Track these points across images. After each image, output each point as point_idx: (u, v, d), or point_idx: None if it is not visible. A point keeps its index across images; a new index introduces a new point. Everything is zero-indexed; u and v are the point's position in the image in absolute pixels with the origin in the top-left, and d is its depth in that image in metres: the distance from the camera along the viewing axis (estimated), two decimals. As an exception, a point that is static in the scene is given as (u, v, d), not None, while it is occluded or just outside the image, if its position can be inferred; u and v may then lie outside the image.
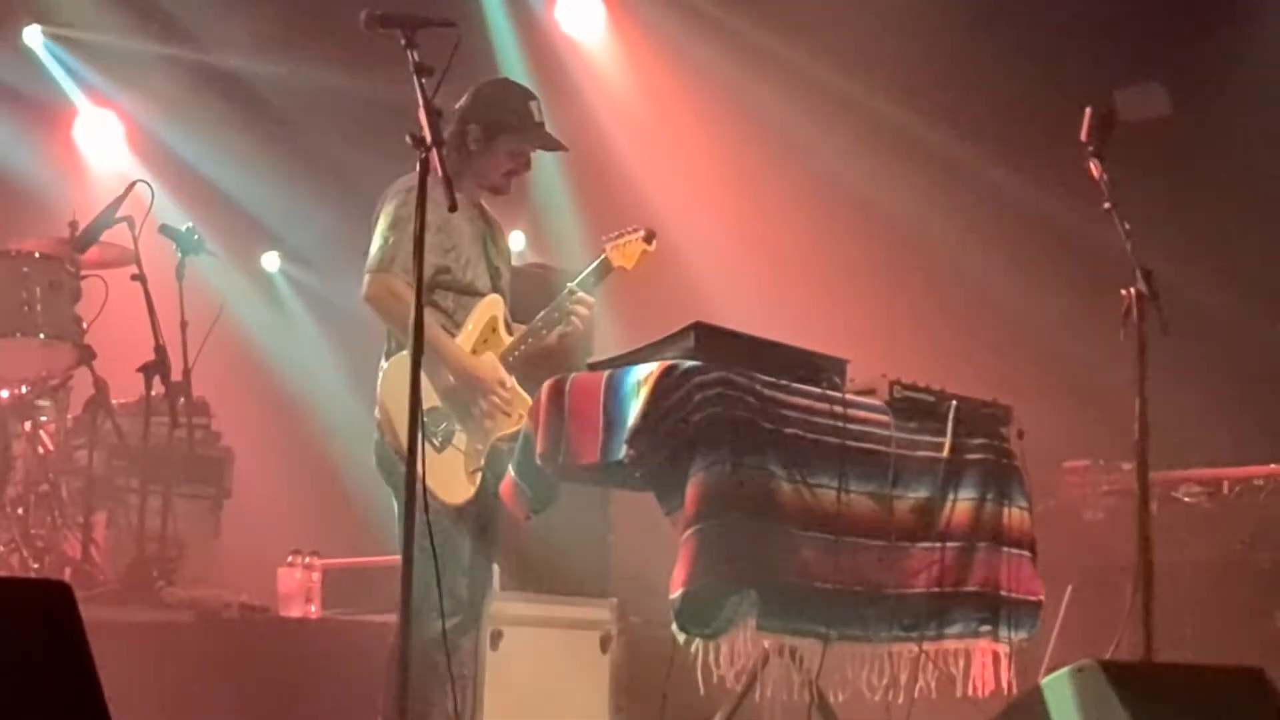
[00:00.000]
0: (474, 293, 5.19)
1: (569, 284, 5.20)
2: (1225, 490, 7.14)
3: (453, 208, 4.15)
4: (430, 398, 4.94)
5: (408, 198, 4.99)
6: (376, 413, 5.03)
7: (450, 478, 4.99)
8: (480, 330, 5.17)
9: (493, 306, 5.21)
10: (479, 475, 5.07)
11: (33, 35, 9.92)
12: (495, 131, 5.19)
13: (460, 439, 5.04)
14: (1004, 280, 8.24)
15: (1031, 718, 4.09)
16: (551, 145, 5.33)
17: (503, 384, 5.09)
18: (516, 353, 5.17)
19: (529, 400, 5.11)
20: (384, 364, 5.08)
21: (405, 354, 4.85)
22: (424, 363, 4.74)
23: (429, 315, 4.78)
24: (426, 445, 4.82)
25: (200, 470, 7.67)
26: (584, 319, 5.20)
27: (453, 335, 5.10)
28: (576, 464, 4.89)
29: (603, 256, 5.23)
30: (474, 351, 5.13)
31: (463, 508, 5.02)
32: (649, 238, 5.18)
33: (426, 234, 4.45)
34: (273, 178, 9.97)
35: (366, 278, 5.03)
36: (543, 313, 5.19)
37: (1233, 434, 7.39)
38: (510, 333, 5.24)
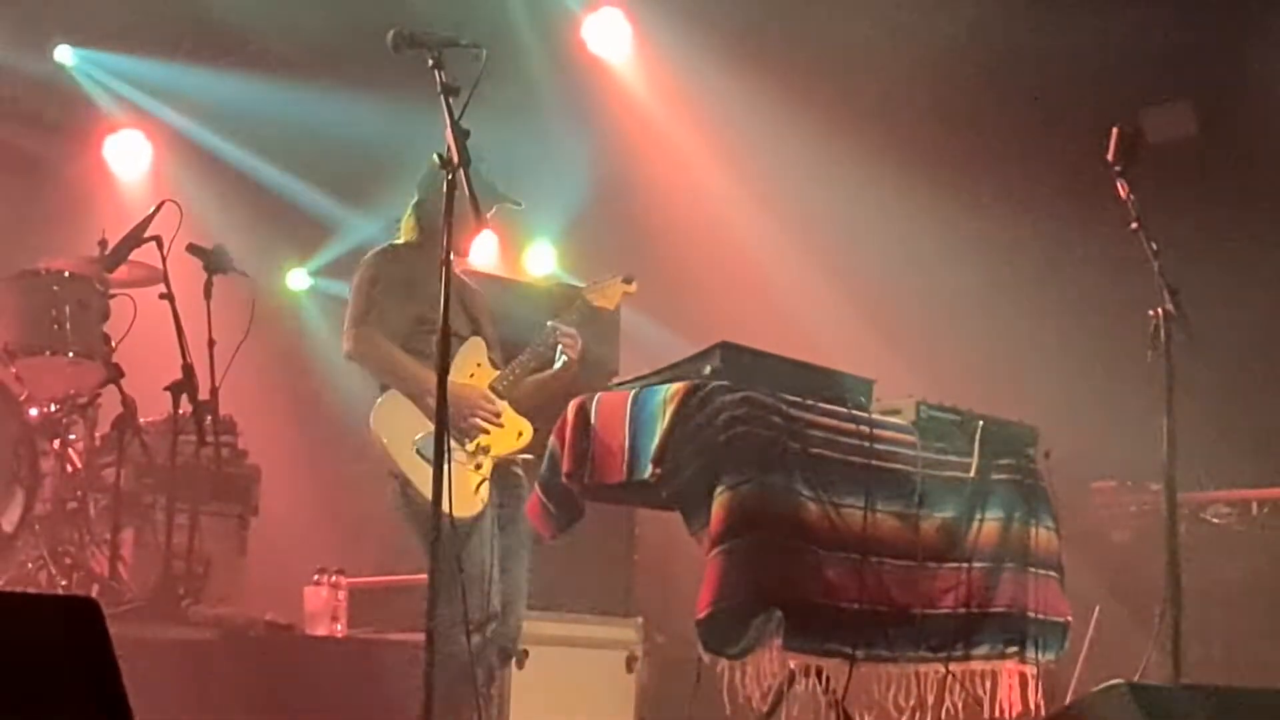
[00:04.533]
0: (454, 335, 5.25)
1: (549, 322, 5.41)
2: (1254, 511, 7.10)
3: (480, 225, 4.24)
4: (423, 424, 5.06)
5: (374, 259, 5.38)
6: (380, 451, 5.18)
7: (458, 494, 4.99)
8: (465, 367, 5.33)
9: (474, 348, 5.40)
10: (485, 487, 5.18)
11: (64, 54, 9.99)
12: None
13: (460, 456, 5.11)
14: (1030, 300, 8.22)
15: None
16: (506, 200, 5.41)
17: (487, 398, 5.26)
18: (505, 382, 5.35)
19: (526, 422, 5.30)
20: (378, 400, 5.27)
21: (392, 392, 5.22)
22: (412, 396, 5.11)
23: (411, 360, 5.15)
24: (426, 467, 4.92)
25: (227, 488, 7.68)
26: (573, 350, 5.37)
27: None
28: (602, 483, 4.91)
29: (579, 299, 5.51)
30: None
31: (476, 521, 5.10)
32: (628, 280, 5.52)
33: (400, 288, 5.14)
34: (301, 197, 10.01)
35: (346, 336, 5.30)
36: (529, 349, 5.38)
37: (1262, 454, 7.34)
38: (495, 369, 5.43)
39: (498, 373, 5.39)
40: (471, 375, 5.33)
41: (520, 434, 5.30)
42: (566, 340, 5.36)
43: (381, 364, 5.24)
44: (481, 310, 5.59)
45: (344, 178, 9.85)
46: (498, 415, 5.25)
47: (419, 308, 5.16)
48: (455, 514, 4.88)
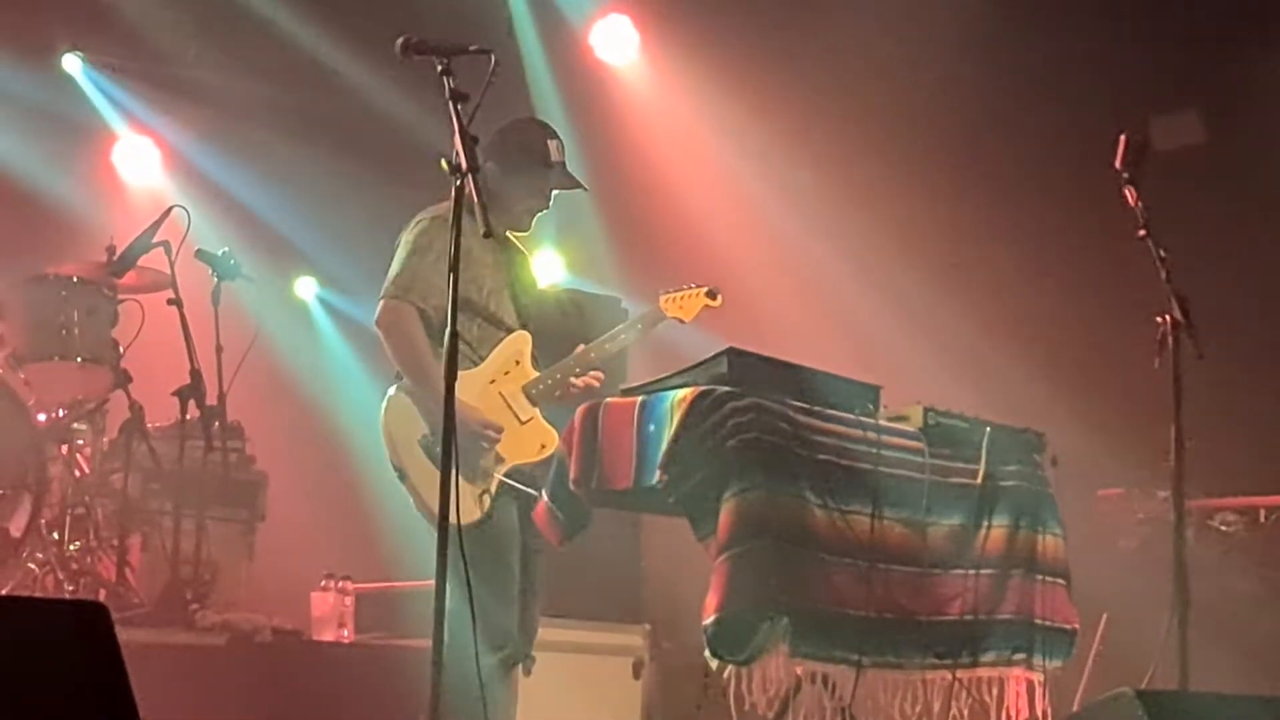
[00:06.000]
0: (498, 322, 5.22)
1: (581, 346, 5.21)
2: (1262, 518, 7.08)
3: (488, 234, 4.20)
4: (424, 425, 5.01)
5: (429, 226, 5.13)
6: (394, 451, 5.07)
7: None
8: (502, 362, 5.18)
9: (519, 342, 5.23)
10: (486, 498, 5.03)
11: (72, 62, 10.02)
12: (512, 170, 5.18)
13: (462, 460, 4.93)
14: (1038, 307, 8.22)
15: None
16: (569, 184, 5.34)
17: (489, 426, 5.04)
18: (540, 387, 5.18)
19: (552, 434, 5.14)
20: (390, 391, 5.15)
21: (398, 387, 5.10)
22: (417, 396, 5.01)
23: (431, 361, 4.94)
24: (427, 464, 4.93)
25: (234, 494, 7.69)
26: (595, 385, 5.21)
27: (474, 363, 5.11)
28: (610, 489, 4.90)
29: (652, 308, 5.25)
30: (492, 381, 5.15)
31: (479, 528, 4.92)
32: (713, 293, 5.14)
33: (446, 263, 4.57)
34: (309, 203, 10.02)
35: (381, 303, 5.10)
36: (568, 360, 5.20)
37: (1270, 461, 7.34)
38: (536, 368, 5.25)
39: (535, 374, 5.21)
40: (507, 372, 5.17)
41: (543, 446, 5.12)
42: (591, 380, 5.23)
43: (402, 349, 5.04)
44: (531, 292, 5.40)
45: (352, 184, 9.86)
46: (499, 433, 5.07)
47: (465, 290, 4.82)
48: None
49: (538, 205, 5.31)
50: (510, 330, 5.23)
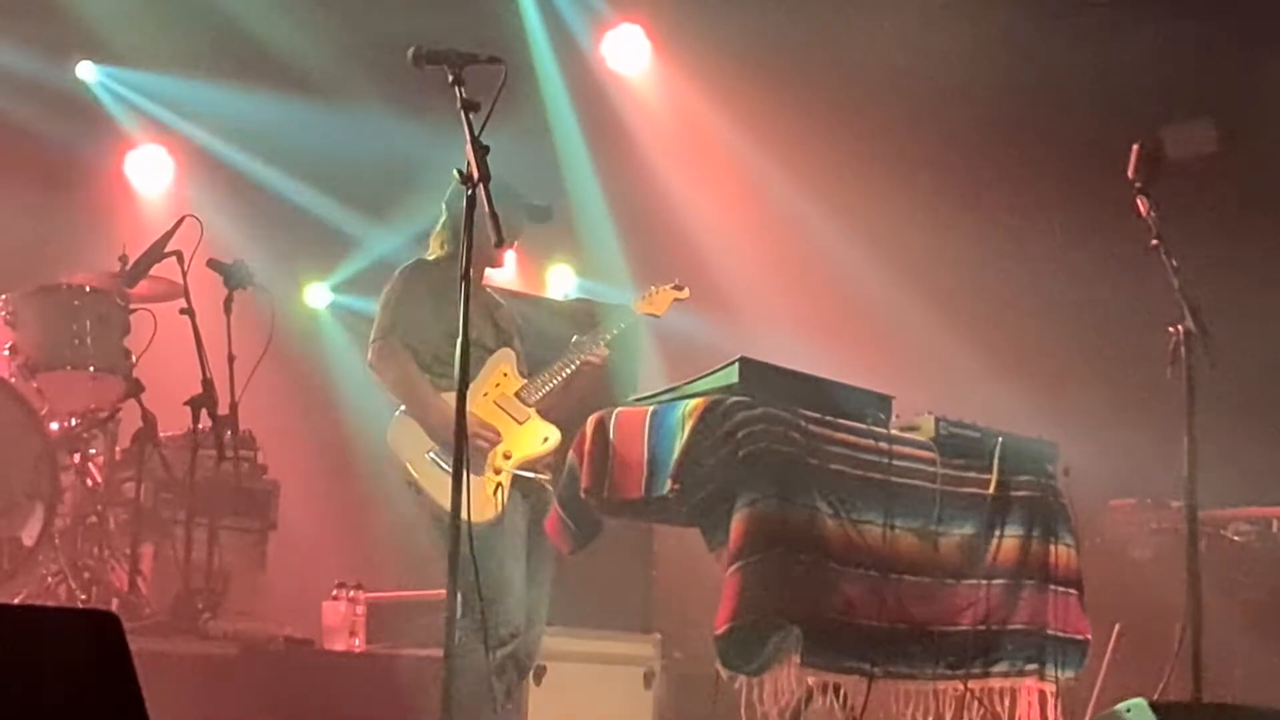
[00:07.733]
0: (482, 345, 5.46)
1: (574, 338, 5.60)
2: (1275, 529, 7.07)
3: (499, 242, 4.26)
4: (432, 442, 5.27)
5: (399, 278, 5.57)
6: (406, 468, 5.30)
7: (473, 499, 5.01)
8: (491, 377, 5.51)
9: (502, 358, 5.57)
10: (501, 493, 5.30)
11: (86, 70, 10.04)
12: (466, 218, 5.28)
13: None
14: (1051, 316, 8.21)
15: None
16: (536, 217, 5.62)
17: (484, 425, 5.34)
18: (539, 392, 5.51)
19: (552, 428, 5.44)
20: (394, 414, 5.46)
21: (402, 410, 5.41)
22: (416, 419, 5.34)
23: (423, 383, 5.35)
24: (439, 472, 5.16)
25: (246, 503, 7.69)
26: (594, 367, 5.58)
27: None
28: (621, 499, 4.91)
29: (626, 310, 5.75)
30: (485, 395, 5.44)
31: (495, 527, 5.19)
32: (679, 286, 5.75)
33: (429, 302, 5.27)
34: (322, 213, 10.03)
35: (371, 346, 5.50)
36: (559, 360, 5.56)
37: (1283, 472, 7.32)
38: (524, 378, 5.60)
39: (524, 381, 5.52)
40: (497, 384, 5.48)
41: (545, 439, 5.44)
42: (592, 359, 5.53)
43: (396, 380, 5.39)
44: (510, 325, 5.71)
45: (363, 192, 9.87)
46: (497, 434, 5.35)
47: (448, 323, 5.04)
48: (474, 518, 4.93)
49: (504, 241, 5.39)
50: (492, 351, 5.54)
